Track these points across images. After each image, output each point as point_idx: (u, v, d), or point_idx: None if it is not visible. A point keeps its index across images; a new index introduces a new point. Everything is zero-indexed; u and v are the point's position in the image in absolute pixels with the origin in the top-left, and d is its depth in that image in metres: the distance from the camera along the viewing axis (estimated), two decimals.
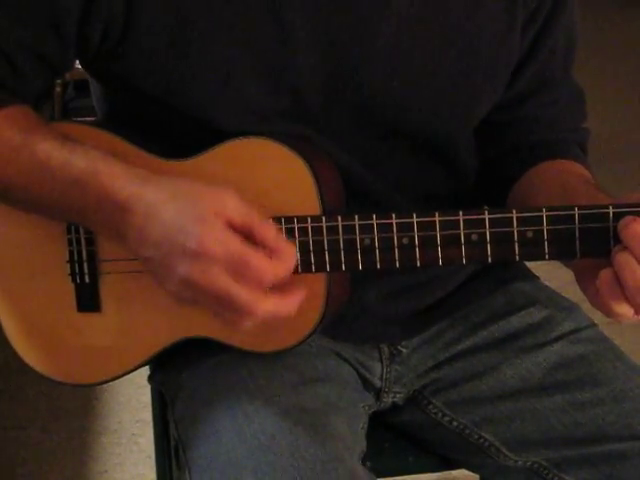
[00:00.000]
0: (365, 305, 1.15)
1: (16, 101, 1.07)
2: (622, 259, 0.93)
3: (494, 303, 1.23)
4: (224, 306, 0.95)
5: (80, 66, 1.12)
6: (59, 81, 2.53)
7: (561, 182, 1.12)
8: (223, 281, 0.94)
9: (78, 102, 2.63)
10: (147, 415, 1.49)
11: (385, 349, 1.22)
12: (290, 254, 0.96)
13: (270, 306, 0.96)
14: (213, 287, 0.94)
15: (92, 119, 1.23)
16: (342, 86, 1.08)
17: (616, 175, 3.38)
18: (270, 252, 0.95)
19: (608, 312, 0.95)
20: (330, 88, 1.08)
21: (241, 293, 0.94)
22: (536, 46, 1.17)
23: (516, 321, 1.22)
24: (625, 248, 0.93)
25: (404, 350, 1.22)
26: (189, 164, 1.05)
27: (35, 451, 2.11)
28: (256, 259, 0.94)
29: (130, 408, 2.23)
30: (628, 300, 0.93)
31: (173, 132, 1.08)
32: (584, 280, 1.00)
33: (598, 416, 1.14)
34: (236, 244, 0.94)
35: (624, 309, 0.94)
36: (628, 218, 0.94)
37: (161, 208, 0.96)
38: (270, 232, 0.96)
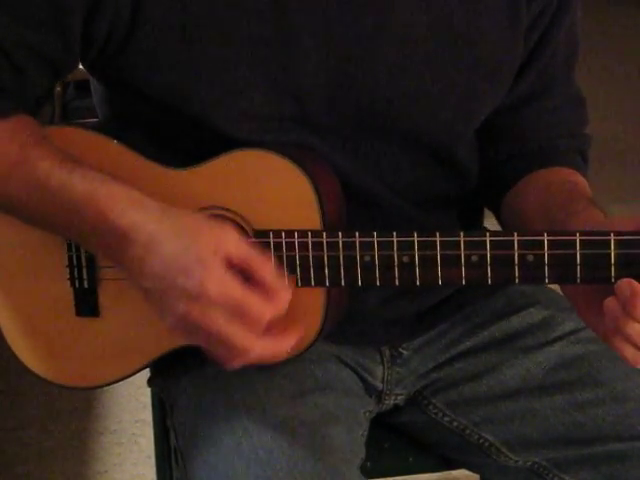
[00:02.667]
0: (366, 308, 1.15)
1: (17, 110, 1.06)
2: (630, 330, 0.92)
3: (494, 304, 1.23)
4: (219, 345, 0.97)
5: (81, 66, 1.12)
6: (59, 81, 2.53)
7: (543, 194, 1.12)
8: (221, 323, 0.95)
9: (78, 102, 2.63)
10: (147, 415, 1.49)
11: (386, 351, 1.21)
12: (286, 295, 0.97)
13: (264, 348, 0.97)
14: (210, 328, 0.95)
15: (93, 120, 1.23)
16: (345, 92, 1.08)
17: (616, 175, 3.38)
18: (266, 292, 0.96)
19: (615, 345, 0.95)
20: (333, 94, 1.08)
21: (237, 336, 0.95)
22: (538, 51, 1.16)
23: (516, 321, 1.22)
24: (628, 320, 0.92)
25: (405, 352, 1.22)
26: (189, 174, 1.05)
27: (35, 451, 2.11)
28: (254, 304, 0.95)
29: (130, 408, 2.23)
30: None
31: (174, 136, 1.08)
32: (584, 311, 1.01)
33: (598, 416, 1.14)
34: (235, 288, 0.95)
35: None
36: (627, 287, 0.92)
37: (162, 242, 0.96)
38: (268, 273, 0.96)
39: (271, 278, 0.96)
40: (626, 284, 0.93)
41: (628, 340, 0.93)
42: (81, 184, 1.00)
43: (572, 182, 1.15)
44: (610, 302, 0.94)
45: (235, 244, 0.96)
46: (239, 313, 0.95)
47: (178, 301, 0.96)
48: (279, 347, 0.98)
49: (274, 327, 0.97)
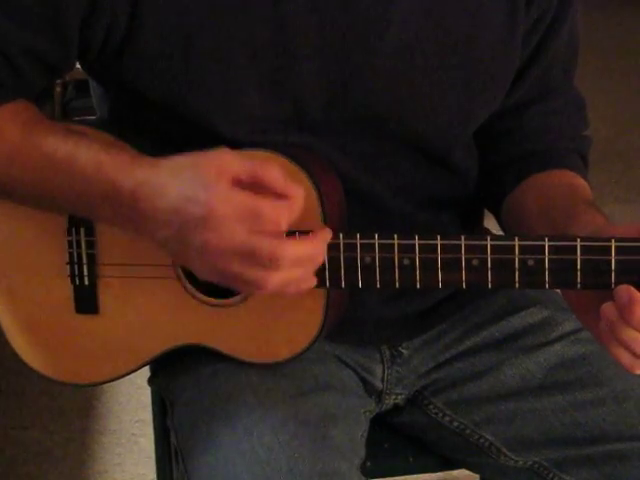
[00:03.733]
0: (366, 307, 1.15)
1: (16, 97, 1.06)
2: (626, 336, 0.92)
3: (494, 304, 1.23)
4: (251, 263, 0.93)
5: (80, 66, 1.12)
6: (59, 81, 2.52)
7: (544, 198, 1.12)
8: (240, 237, 0.93)
9: (78, 102, 2.62)
10: (147, 415, 1.49)
11: (386, 351, 1.21)
12: (299, 190, 0.95)
13: (295, 250, 0.94)
14: (233, 246, 0.93)
15: (91, 118, 1.23)
16: (343, 94, 1.08)
17: (616, 175, 3.38)
18: (279, 194, 0.94)
19: (612, 349, 0.95)
20: (331, 96, 1.07)
21: (262, 243, 0.93)
22: (537, 55, 1.16)
23: (516, 321, 1.22)
24: (624, 326, 0.92)
25: (405, 351, 1.22)
26: None
27: (35, 451, 2.11)
28: (267, 206, 0.93)
29: (130, 408, 2.23)
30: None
31: (173, 137, 1.08)
32: (582, 314, 1.00)
33: (598, 416, 1.14)
34: (243, 198, 0.93)
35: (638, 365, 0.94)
36: (625, 295, 0.92)
37: (165, 187, 0.96)
38: (274, 175, 0.94)
39: (278, 178, 0.94)
40: (624, 290, 0.93)
41: (624, 346, 0.93)
42: (87, 155, 1.00)
43: (573, 185, 1.15)
44: (607, 308, 0.94)
45: (235, 161, 0.95)
46: (256, 221, 0.92)
47: (193, 235, 0.94)
48: (312, 246, 0.96)
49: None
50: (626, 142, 3.68)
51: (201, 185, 0.94)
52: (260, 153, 1.01)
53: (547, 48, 1.16)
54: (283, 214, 0.93)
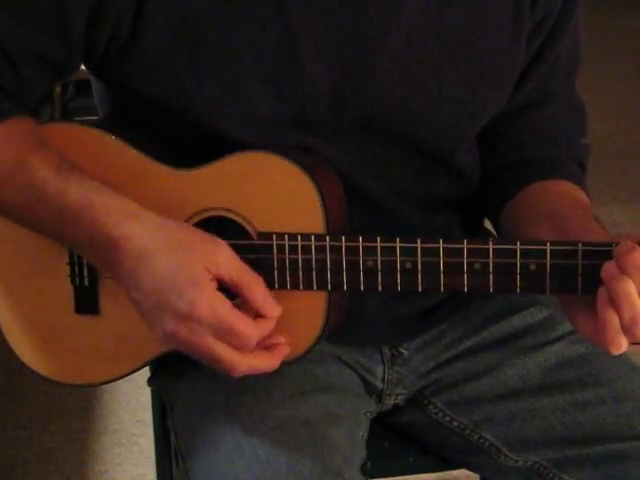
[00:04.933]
0: (366, 307, 1.15)
1: (15, 111, 1.06)
2: (620, 289, 0.91)
3: (494, 304, 1.23)
4: (208, 360, 1.00)
5: (83, 67, 1.12)
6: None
7: (553, 208, 1.12)
8: (209, 343, 0.98)
9: (78, 102, 2.63)
10: (147, 415, 1.49)
11: (386, 351, 1.22)
12: (274, 316, 1.00)
13: (251, 365, 1.00)
14: (199, 346, 0.98)
15: (93, 118, 1.23)
16: (348, 96, 1.08)
17: (616, 175, 3.38)
18: (255, 313, 0.99)
19: (607, 347, 0.93)
20: (336, 98, 1.07)
21: (224, 354, 0.98)
22: (539, 58, 1.16)
23: (516, 321, 1.22)
24: (621, 277, 0.91)
25: (405, 352, 1.22)
26: (193, 174, 1.05)
27: (35, 451, 2.11)
28: (242, 326, 0.97)
29: (130, 408, 2.23)
30: (624, 331, 0.92)
31: (177, 137, 1.08)
32: (574, 313, 1.00)
33: (599, 416, 1.14)
34: (225, 311, 0.97)
35: (621, 340, 0.93)
36: (627, 245, 0.93)
37: (154, 257, 0.98)
38: (258, 294, 0.99)
39: (260, 300, 0.99)
40: (623, 244, 0.93)
41: (616, 306, 0.91)
42: (77, 193, 1.00)
43: (578, 199, 1.15)
44: (607, 264, 0.93)
45: (226, 262, 0.98)
46: (227, 335, 0.97)
47: (167, 318, 0.98)
48: (266, 364, 1.01)
49: (267, 338, 1.01)
50: (626, 142, 3.68)
51: (189, 278, 0.97)
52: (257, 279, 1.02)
53: (549, 52, 1.16)
54: (254, 336, 0.98)
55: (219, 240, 1.00)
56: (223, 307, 0.97)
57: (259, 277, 1.00)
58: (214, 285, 0.97)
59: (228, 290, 1.02)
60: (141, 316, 1.01)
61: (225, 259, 0.98)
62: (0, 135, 1.04)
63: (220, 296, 0.97)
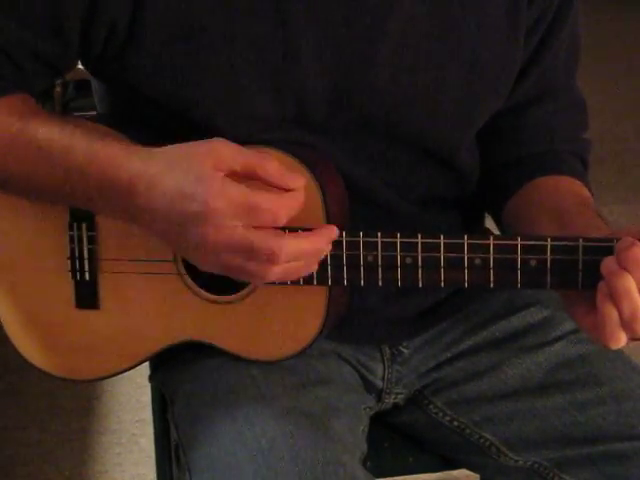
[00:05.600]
0: (367, 306, 1.15)
1: (15, 88, 1.07)
2: (620, 285, 0.91)
3: (495, 303, 1.23)
4: (249, 257, 0.94)
5: (81, 66, 1.12)
6: (59, 81, 2.53)
7: (556, 204, 1.12)
8: (239, 233, 0.93)
9: (78, 102, 2.62)
10: (147, 415, 1.49)
11: (386, 350, 1.22)
12: (299, 183, 0.95)
13: (294, 245, 0.95)
14: (231, 241, 0.93)
15: (92, 113, 1.23)
16: (346, 95, 1.08)
17: (616, 175, 3.38)
18: (278, 187, 0.94)
19: (606, 342, 0.94)
20: (335, 96, 1.08)
21: (261, 238, 0.93)
22: (538, 54, 1.16)
23: (517, 321, 1.22)
24: (621, 273, 0.92)
25: (405, 351, 1.22)
26: None
27: (35, 451, 2.11)
28: (264, 200, 0.93)
29: (130, 408, 2.23)
30: (623, 326, 0.92)
31: (175, 135, 1.08)
32: (574, 308, 1.00)
33: (599, 416, 1.14)
34: (240, 192, 0.92)
35: (620, 335, 0.93)
36: (628, 240, 0.93)
37: (161, 180, 0.96)
38: (272, 168, 0.94)
39: (277, 171, 0.94)
40: (623, 240, 0.93)
41: (616, 302, 0.92)
42: (82, 146, 1.00)
43: (583, 196, 1.15)
44: (608, 259, 0.94)
45: (230, 152, 0.95)
46: (253, 215, 0.92)
47: (192, 229, 0.94)
48: (312, 242, 0.96)
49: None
50: (626, 142, 3.68)
51: (196, 179, 0.93)
52: (261, 149, 1.01)
53: (548, 48, 1.16)
54: (281, 207, 0.93)
55: (215, 138, 0.97)
56: (237, 189, 0.92)
57: (268, 155, 0.96)
58: (222, 175, 0.93)
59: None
60: (173, 248, 0.99)
61: (227, 150, 0.95)
62: (2, 105, 1.05)
63: (231, 182, 0.93)
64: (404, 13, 1.07)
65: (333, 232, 0.98)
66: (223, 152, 0.95)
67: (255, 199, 0.92)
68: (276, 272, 0.95)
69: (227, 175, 0.94)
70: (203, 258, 0.97)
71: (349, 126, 1.09)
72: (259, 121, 1.06)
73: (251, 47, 1.04)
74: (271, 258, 0.93)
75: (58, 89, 2.60)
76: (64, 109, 2.64)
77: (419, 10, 1.07)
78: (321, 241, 0.97)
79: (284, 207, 0.93)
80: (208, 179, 0.93)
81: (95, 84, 1.18)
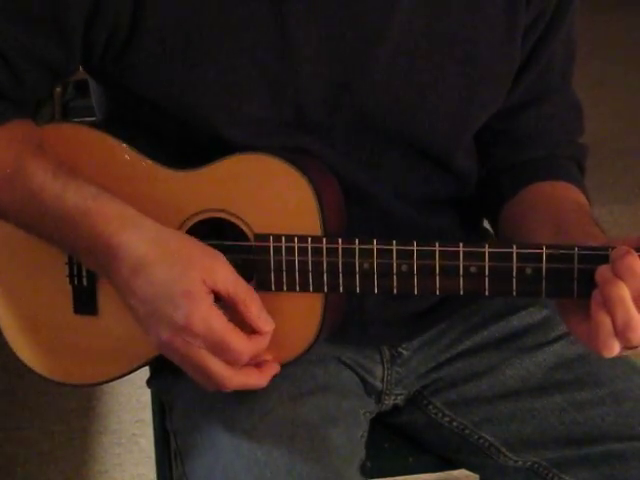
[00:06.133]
0: (366, 307, 1.15)
1: (15, 114, 1.06)
2: (614, 293, 0.91)
3: (494, 303, 1.23)
4: (199, 373, 1.01)
5: (82, 67, 1.12)
6: None
7: (553, 211, 1.12)
8: (202, 356, 0.99)
9: (78, 102, 2.62)
10: (147, 415, 1.49)
11: (386, 351, 1.22)
12: (268, 332, 1.01)
13: (241, 381, 1.02)
14: (192, 358, 0.99)
15: (91, 119, 1.23)
16: (345, 98, 1.08)
17: (616, 175, 3.38)
18: (249, 329, 1.00)
19: (599, 350, 0.94)
20: (333, 100, 1.08)
21: (217, 368, 1.00)
22: (534, 56, 1.16)
23: (516, 321, 1.22)
24: (615, 281, 0.92)
25: (405, 352, 1.22)
26: (191, 175, 1.05)
27: (35, 451, 2.11)
28: (236, 342, 0.99)
29: (130, 408, 2.23)
30: (617, 335, 0.92)
31: (174, 138, 1.09)
32: (569, 316, 0.99)
33: (598, 416, 1.14)
34: (220, 325, 0.98)
35: (613, 343, 0.93)
36: (623, 249, 0.93)
37: (152, 267, 0.98)
38: (253, 310, 1.00)
39: (255, 315, 1.00)
40: (618, 249, 0.93)
41: (609, 309, 0.91)
42: (74, 199, 1.01)
43: (575, 201, 1.15)
44: (602, 268, 0.94)
45: (224, 279, 0.99)
46: (221, 349, 0.98)
47: (163, 328, 0.99)
48: (256, 381, 1.03)
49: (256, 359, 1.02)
50: (626, 142, 3.68)
51: (186, 291, 0.98)
52: (259, 155, 1.01)
53: (545, 48, 1.16)
54: (247, 352, 1.00)
55: (217, 253, 1.00)
56: (218, 322, 0.98)
57: (254, 293, 1.01)
58: (210, 299, 0.98)
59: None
60: (137, 322, 1.02)
61: (223, 274, 0.99)
62: (0, 138, 1.04)
63: (216, 310, 0.98)
64: (403, 14, 1.07)
65: (276, 370, 1.05)
66: (217, 274, 0.99)
67: (229, 339, 0.98)
68: (222, 388, 1.02)
69: (211, 292, 0.98)
70: (160, 348, 1.02)
71: (347, 127, 1.09)
72: (257, 124, 1.06)
73: (249, 50, 1.04)
74: (220, 384, 1.01)
75: (58, 89, 2.60)
76: (64, 109, 2.64)
77: (417, 11, 1.07)
78: (266, 378, 1.04)
79: (249, 352, 1.00)
80: (197, 297, 0.98)
81: (94, 87, 1.18)
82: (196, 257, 0.99)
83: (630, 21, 5.17)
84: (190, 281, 0.98)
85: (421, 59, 1.09)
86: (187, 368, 1.01)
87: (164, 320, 0.98)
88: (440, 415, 1.22)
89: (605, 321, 0.92)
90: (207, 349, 0.98)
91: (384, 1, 1.06)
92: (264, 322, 1.01)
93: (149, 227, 1.01)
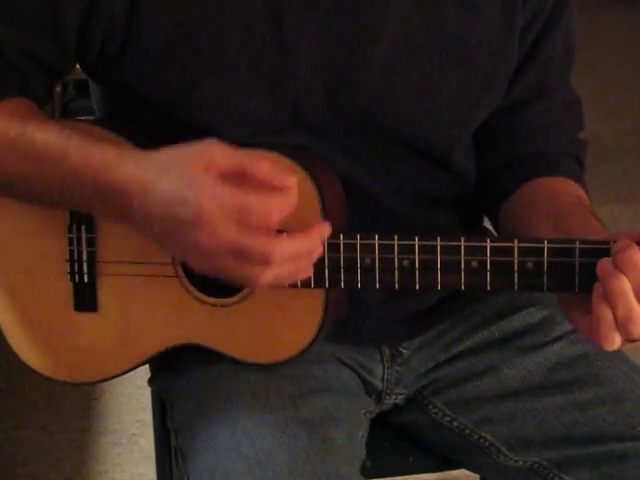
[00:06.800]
0: (366, 306, 1.15)
1: (16, 94, 1.07)
2: (616, 286, 0.92)
3: (494, 303, 1.23)
4: (242, 260, 0.93)
5: (80, 68, 1.12)
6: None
7: (553, 206, 1.12)
8: (231, 236, 0.91)
9: (78, 102, 2.62)
10: (147, 415, 1.49)
11: (386, 350, 1.22)
12: (290, 181, 0.93)
13: (287, 247, 0.93)
14: (224, 245, 0.92)
15: (91, 118, 1.23)
16: (341, 96, 1.08)
17: (616, 175, 3.38)
18: (270, 188, 0.92)
19: (600, 343, 0.94)
20: (329, 98, 1.08)
21: (252, 241, 0.91)
22: (533, 54, 1.16)
23: (516, 321, 1.22)
24: (616, 274, 0.92)
25: (405, 351, 1.22)
26: None
27: (35, 451, 2.11)
28: (256, 202, 0.91)
29: (130, 408, 2.23)
30: (618, 328, 0.92)
31: (172, 138, 1.08)
32: (571, 310, 1.00)
33: (598, 416, 1.14)
34: (231, 194, 0.91)
35: (614, 336, 0.93)
36: (624, 242, 0.93)
37: (154, 184, 0.95)
38: (264, 169, 0.93)
39: (268, 172, 0.93)
40: (620, 242, 0.93)
41: (610, 302, 0.92)
42: (77, 149, 1.01)
43: (575, 196, 1.15)
44: (603, 261, 0.94)
45: (222, 153, 0.94)
46: (245, 218, 0.91)
47: (186, 234, 0.93)
48: (306, 242, 0.95)
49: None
50: (626, 142, 3.68)
51: (189, 183, 0.93)
52: (259, 151, 1.01)
53: (543, 47, 1.16)
54: (273, 208, 0.92)
55: (208, 138, 0.96)
56: (229, 191, 0.91)
57: (259, 153, 0.96)
58: (212, 179, 0.92)
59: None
60: (170, 251, 0.99)
61: (220, 151, 0.94)
62: (1, 109, 1.05)
63: (222, 184, 0.92)
64: (400, 13, 1.07)
65: (325, 230, 0.97)
66: (214, 153, 0.94)
67: (247, 201, 0.91)
68: (269, 275, 0.94)
69: (219, 176, 0.92)
70: (198, 261, 0.96)
71: (344, 126, 1.09)
72: (254, 123, 1.07)
73: (245, 49, 1.04)
74: (264, 260, 0.92)
75: (58, 89, 2.60)
76: (64, 109, 2.64)
77: (414, 10, 1.08)
78: (313, 240, 0.96)
79: (276, 207, 0.92)
80: (199, 183, 0.92)
81: (93, 86, 1.18)
82: (187, 150, 0.95)
83: (630, 21, 5.17)
84: (189, 173, 0.93)
85: (418, 58, 1.09)
86: (230, 264, 0.93)
87: (182, 225, 0.93)
88: (440, 415, 1.22)
89: (606, 314, 0.92)
90: (233, 226, 0.91)
91: (380, 0, 1.06)
92: (281, 177, 0.93)
93: (144, 154, 0.99)
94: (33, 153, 1.02)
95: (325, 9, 1.05)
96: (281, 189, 0.92)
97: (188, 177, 0.93)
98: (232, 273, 0.95)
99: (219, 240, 0.92)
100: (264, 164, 0.93)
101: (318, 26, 1.05)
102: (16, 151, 1.03)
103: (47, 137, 1.02)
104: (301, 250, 0.95)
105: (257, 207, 0.91)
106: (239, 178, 0.93)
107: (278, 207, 0.92)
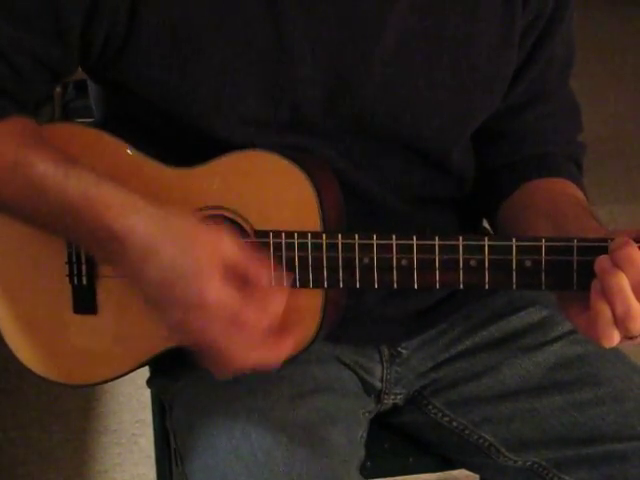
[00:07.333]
0: (365, 306, 1.16)
1: (15, 111, 1.06)
2: (614, 283, 0.92)
3: (494, 303, 1.23)
4: (215, 353, 0.97)
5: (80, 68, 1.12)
6: None
7: (551, 206, 1.12)
8: (218, 333, 0.96)
9: (78, 102, 2.62)
10: (147, 415, 1.49)
11: (385, 350, 1.22)
12: (280, 301, 0.97)
13: (259, 357, 0.98)
14: (208, 337, 0.96)
15: (91, 120, 1.23)
16: (340, 98, 1.08)
17: (616, 175, 3.38)
18: (262, 299, 0.97)
19: (599, 340, 0.94)
20: (329, 100, 1.08)
21: (234, 346, 0.96)
22: (533, 56, 1.16)
23: (516, 321, 1.22)
24: (614, 271, 0.92)
25: (404, 351, 1.22)
26: (190, 172, 1.06)
27: (35, 451, 2.11)
28: (251, 314, 0.96)
29: (130, 408, 2.23)
30: (616, 325, 0.92)
31: (171, 138, 1.09)
32: (569, 308, 1.00)
33: (598, 416, 1.14)
34: (233, 299, 0.95)
35: (613, 333, 0.93)
36: (621, 240, 0.93)
37: (158, 248, 0.97)
38: (263, 279, 0.97)
39: (267, 283, 0.97)
40: (617, 239, 0.93)
41: (608, 299, 0.92)
42: (76, 186, 1.00)
43: (573, 196, 1.15)
44: (602, 258, 0.94)
45: (231, 249, 0.97)
46: (236, 323, 0.95)
47: (177, 309, 0.96)
48: (274, 356, 0.99)
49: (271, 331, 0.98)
50: (626, 142, 3.68)
51: (195, 267, 0.95)
52: (259, 152, 1.01)
53: (542, 49, 1.16)
54: (263, 324, 0.96)
55: (220, 226, 0.99)
56: (231, 295, 0.95)
57: (265, 260, 0.98)
58: (220, 273, 0.96)
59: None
60: (150, 307, 1.00)
61: (230, 245, 0.97)
62: (1, 131, 1.04)
63: (227, 285, 0.96)
64: (399, 15, 1.07)
65: (292, 343, 1.00)
66: (225, 245, 0.97)
67: (244, 311, 0.95)
68: (233, 373, 0.99)
69: (224, 272, 0.95)
70: (176, 331, 0.99)
71: (344, 128, 1.10)
72: (254, 124, 1.07)
73: (244, 51, 1.04)
74: (236, 363, 0.97)
75: (58, 89, 2.60)
76: (64, 109, 2.64)
77: (414, 12, 1.08)
78: (285, 353, 0.99)
79: (265, 323, 0.96)
80: (207, 271, 0.95)
81: (93, 87, 1.18)
82: (201, 232, 0.98)
83: (631, 20, 5.17)
84: (198, 255, 0.96)
85: (418, 60, 1.09)
86: (204, 349, 0.98)
87: (177, 301, 0.96)
88: (440, 415, 1.22)
89: (604, 311, 0.92)
90: (223, 325, 0.96)
91: (380, 2, 1.06)
92: (278, 290, 0.98)
93: (150, 209, 0.99)
94: (30, 183, 1.01)
95: (325, 11, 1.05)
96: (272, 304, 0.97)
97: (195, 259, 0.96)
98: (202, 356, 0.99)
99: (206, 330, 0.96)
100: (264, 276, 0.97)
101: (318, 27, 1.05)
102: (14, 180, 1.02)
103: (45, 170, 1.01)
104: (270, 360, 0.99)
105: (251, 319, 0.96)
106: (239, 276, 0.96)
107: (267, 322, 0.96)
